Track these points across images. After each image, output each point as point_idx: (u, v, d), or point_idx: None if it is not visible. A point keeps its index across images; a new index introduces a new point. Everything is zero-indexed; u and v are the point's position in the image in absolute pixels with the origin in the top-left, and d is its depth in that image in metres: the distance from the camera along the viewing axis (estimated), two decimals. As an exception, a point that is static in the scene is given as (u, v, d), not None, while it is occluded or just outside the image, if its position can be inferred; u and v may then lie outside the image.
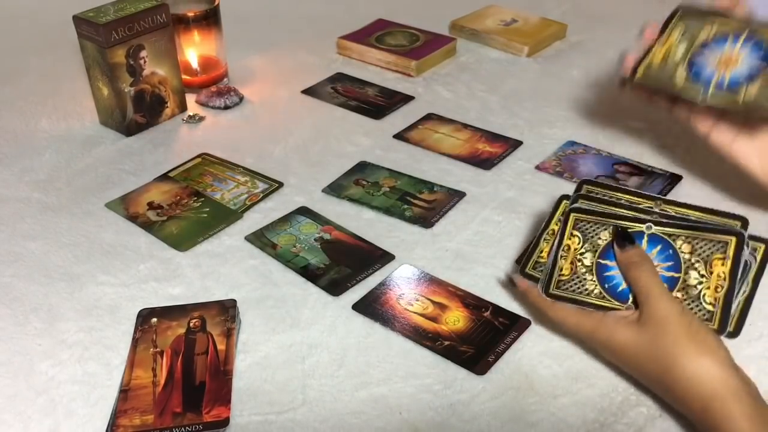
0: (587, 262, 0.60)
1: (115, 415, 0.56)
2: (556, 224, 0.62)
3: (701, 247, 0.57)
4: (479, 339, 0.63)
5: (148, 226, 0.76)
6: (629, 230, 0.59)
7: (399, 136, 0.92)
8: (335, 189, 0.82)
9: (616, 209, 0.60)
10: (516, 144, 0.90)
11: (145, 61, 0.90)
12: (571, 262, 0.60)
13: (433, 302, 0.66)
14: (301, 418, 0.56)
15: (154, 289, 0.68)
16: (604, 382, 0.59)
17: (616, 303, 0.58)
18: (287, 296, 0.68)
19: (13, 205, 0.80)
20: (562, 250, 0.61)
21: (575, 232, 0.61)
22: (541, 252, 0.63)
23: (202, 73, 1.02)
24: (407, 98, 1.01)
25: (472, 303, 0.66)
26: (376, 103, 1.00)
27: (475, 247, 0.73)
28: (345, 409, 0.57)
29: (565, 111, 0.97)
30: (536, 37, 1.14)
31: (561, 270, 0.60)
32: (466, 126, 0.94)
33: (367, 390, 0.59)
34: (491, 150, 0.89)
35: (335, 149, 0.90)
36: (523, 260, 0.63)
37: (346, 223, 0.77)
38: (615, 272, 0.59)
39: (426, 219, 0.77)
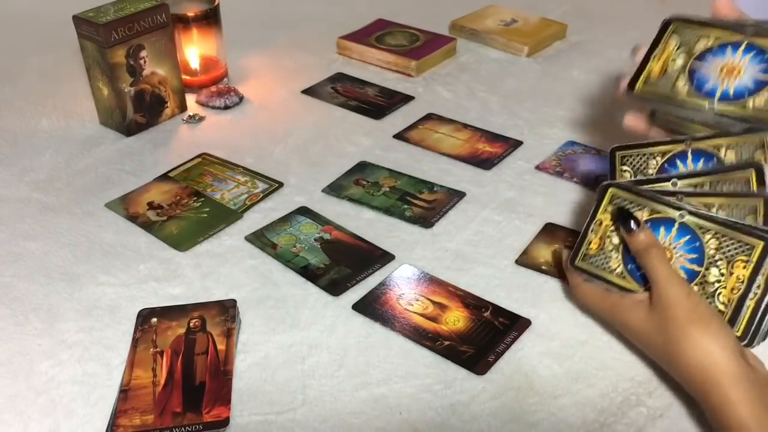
0: (615, 240, 0.61)
1: (115, 415, 0.56)
2: (603, 213, 0.62)
3: (728, 246, 0.57)
4: (479, 339, 0.63)
5: (148, 226, 0.76)
6: (660, 216, 0.59)
7: (399, 136, 0.92)
8: (335, 189, 0.82)
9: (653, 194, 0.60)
10: (516, 144, 0.90)
11: (145, 61, 0.90)
12: (600, 238, 0.62)
13: (433, 302, 0.66)
14: (301, 418, 0.56)
15: (154, 289, 0.68)
16: (604, 382, 0.59)
17: (635, 285, 0.59)
18: (287, 296, 0.68)
19: (13, 205, 0.80)
20: (594, 224, 0.62)
21: (609, 208, 0.62)
22: (590, 243, 0.63)
23: (202, 73, 1.02)
24: (407, 98, 1.01)
25: (472, 303, 0.66)
26: (376, 103, 1.00)
27: (475, 247, 0.74)
28: (345, 409, 0.57)
29: (565, 111, 0.97)
30: (536, 37, 1.14)
31: (590, 244, 0.62)
32: (466, 126, 0.94)
33: (367, 390, 0.59)
34: (491, 150, 0.89)
35: (335, 149, 0.90)
36: (572, 252, 0.64)
37: (346, 223, 0.77)
38: None
39: (426, 219, 0.77)
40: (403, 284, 0.69)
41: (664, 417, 0.56)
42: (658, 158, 0.62)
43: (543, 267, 0.71)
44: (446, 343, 0.62)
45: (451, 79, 1.06)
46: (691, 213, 0.58)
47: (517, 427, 0.56)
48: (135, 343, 0.62)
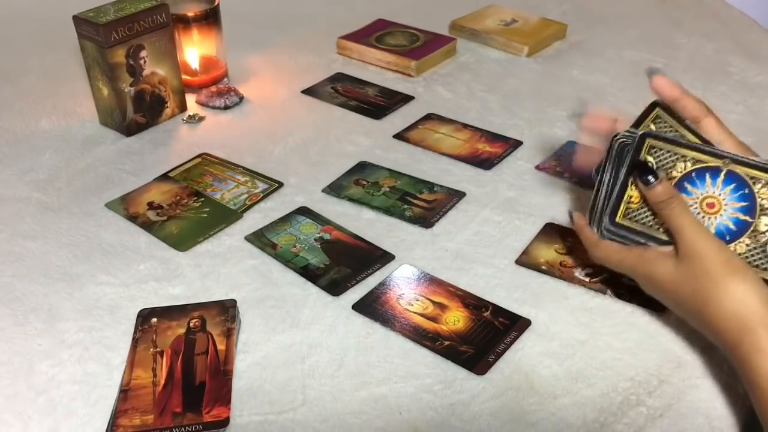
0: None
1: (115, 415, 0.56)
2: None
3: None
4: (479, 339, 0.63)
5: (148, 226, 0.76)
6: (707, 165, 0.57)
7: (399, 136, 0.92)
8: (335, 189, 0.82)
9: (692, 144, 0.58)
10: (516, 144, 0.90)
11: (145, 61, 0.90)
12: (642, 191, 0.59)
13: (433, 302, 0.66)
14: (301, 418, 0.56)
15: (154, 289, 0.68)
16: (604, 382, 0.59)
17: None
18: (287, 296, 0.68)
19: (13, 205, 0.80)
20: (634, 177, 0.59)
21: (649, 159, 0.59)
22: (631, 198, 0.60)
23: (202, 73, 1.02)
24: (407, 98, 1.01)
25: (472, 303, 0.66)
26: (376, 103, 1.00)
27: (475, 247, 0.74)
28: (345, 409, 0.57)
29: (565, 111, 0.97)
30: (536, 37, 1.14)
31: (630, 198, 0.60)
32: (466, 126, 0.94)
33: (367, 390, 0.59)
34: (491, 150, 0.89)
35: (335, 149, 0.90)
36: (609, 210, 0.60)
37: (346, 223, 0.77)
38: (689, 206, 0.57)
39: (426, 219, 0.77)
40: (403, 284, 0.69)
41: (664, 417, 0.56)
42: (688, 164, 0.58)
43: (543, 267, 0.70)
44: (446, 343, 0.62)
45: (451, 79, 1.06)
46: (736, 161, 0.56)
47: (517, 427, 0.56)
48: (135, 343, 0.62)
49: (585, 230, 0.64)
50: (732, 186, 0.57)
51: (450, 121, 0.95)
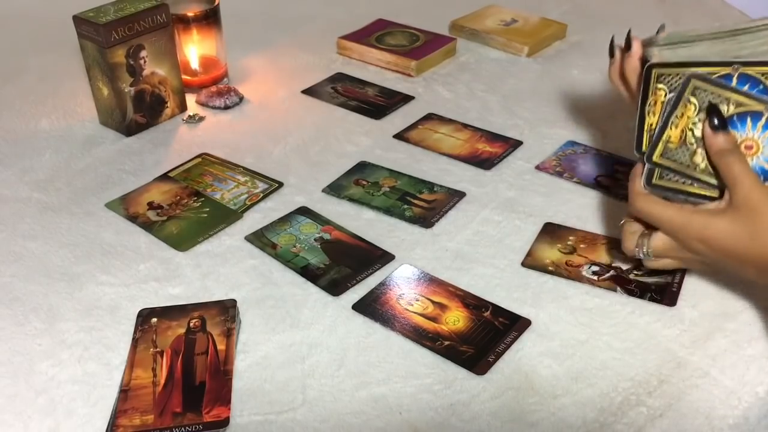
0: (699, 133, 0.57)
1: (115, 415, 0.56)
2: (685, 106, 0.58)
3: None
4: (479, 339, 0.63)
5: (148, 226, 0.76)
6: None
7: (399, 136, 0.92)
8: (335, 189, 0.82)
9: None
10: (516, 144, 0.90)
11: (145, 61, 0.90)
12: (682, 130, 0.58)
13: (433, 302, 0.66)
14: (301, 418, 0.56)
15: (154, 289, 0.68)
16: (604, 382, 0.59)
17: (720, 183, 0.57)
18: (287, 296, 0.68)
19: (13, 205, 0.80)
20: (675, 116, 0.58)
21: (692, 99, 0.58)
22: (670, 137, 0.59)
23: (202, 73, 1.02)
24: (407, 98, 1.01)
25: (472, 303, 0.66)
26: (376, 103, 1.00)
27: (475, 247, 0.74)
28: (345, 409, 0.57)
29: (565, 111, 0.97)
30: (536, 37, 1.14)
31: (670, 138, 0.59)
32: (466, 126, 0.94)
33: (367, 390, 0.59)
34: (491, 150, 0.89)
35: (335, 149, 0.90)
36: (648, 147, 0.59)
37: (346, 223, 0.77)
38: None
39: (426, 219, 0.77)
40: (403, 284, 0.69)
41: (664, 417, 0.56)
42: (731, 107, 0.56)
43: (549, 268, 0.70)
44: (446, 343, 0.62)
45: (451, 79, 1.06)
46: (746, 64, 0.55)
47: (517, 427, 0.56)
48: (135, 343, 0.62)
49: (636, 179, 0.61)
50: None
51: (450, 121, 0.95)
